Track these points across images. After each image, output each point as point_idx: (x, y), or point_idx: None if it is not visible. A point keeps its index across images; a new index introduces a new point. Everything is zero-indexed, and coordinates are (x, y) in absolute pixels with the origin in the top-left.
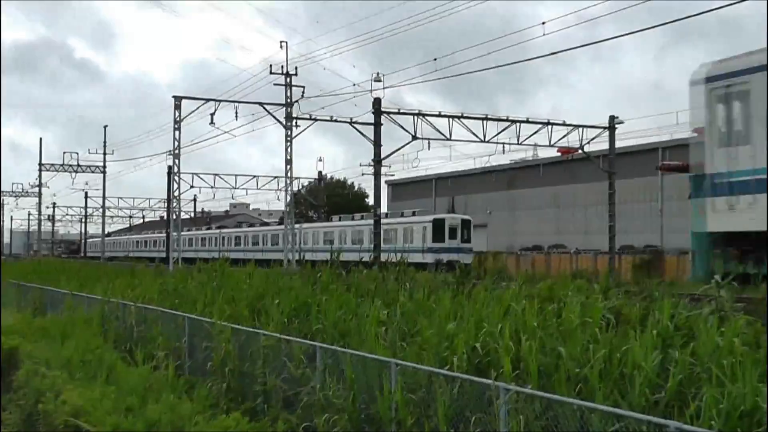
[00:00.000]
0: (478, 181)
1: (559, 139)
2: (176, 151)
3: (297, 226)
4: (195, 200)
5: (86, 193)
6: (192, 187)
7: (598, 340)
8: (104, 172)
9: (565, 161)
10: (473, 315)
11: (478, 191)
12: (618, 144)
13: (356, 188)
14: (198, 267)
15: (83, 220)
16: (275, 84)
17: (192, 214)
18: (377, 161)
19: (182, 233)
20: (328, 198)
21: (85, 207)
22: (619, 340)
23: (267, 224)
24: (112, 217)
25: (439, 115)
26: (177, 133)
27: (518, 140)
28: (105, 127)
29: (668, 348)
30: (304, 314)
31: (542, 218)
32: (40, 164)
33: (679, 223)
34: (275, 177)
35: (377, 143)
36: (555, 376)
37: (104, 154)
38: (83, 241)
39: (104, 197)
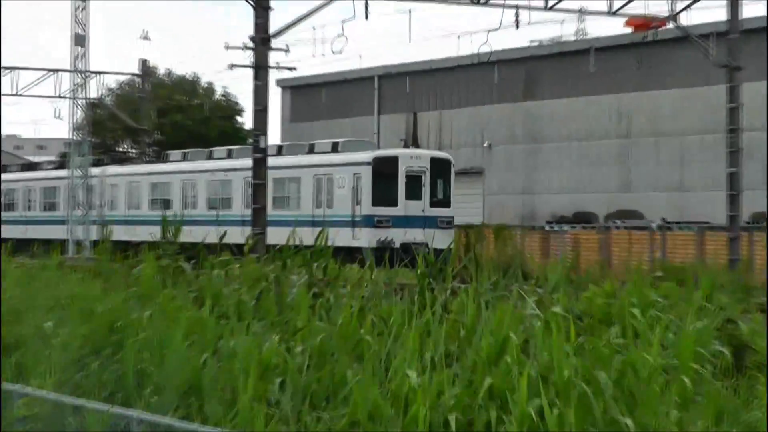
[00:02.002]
0: (466, 83)
1: (627, 2)
2: None
3: (97, 170)
4: None
5: None
6: None
7: (702, 401)
8: None
9: (640, 45)
10: (453, 353)
11: (466, 102)
12: (746, 14)
13: (218, 95)
14: None
15: None
16: None
17: None
18: (262, 40)
19: None
20: (162, 114)
21: None
22: (743, 402)
23: (35, 167)
24: None
25: None
26: None
27: (546, 2)
28: None
29: None
30: (111, 351)
31: (594, 158)
32: None
33: None
34: (52, 71)
35: (261, 2)
36: None
37: None
38: None
39: None
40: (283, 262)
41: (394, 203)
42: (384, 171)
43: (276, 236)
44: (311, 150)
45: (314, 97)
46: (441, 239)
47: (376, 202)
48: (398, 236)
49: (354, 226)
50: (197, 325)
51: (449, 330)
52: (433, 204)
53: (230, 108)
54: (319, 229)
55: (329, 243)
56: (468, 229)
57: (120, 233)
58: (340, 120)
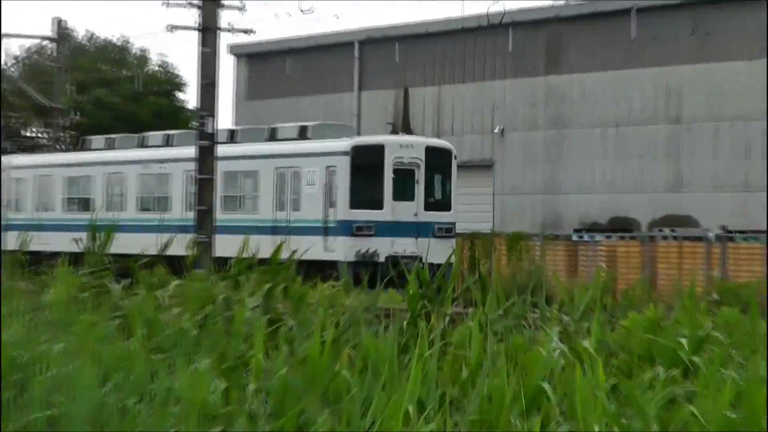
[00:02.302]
0: (472, 51)
1: None
2: None
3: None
4: None
5: None
6: None
7: None
8: None
9: (695, 5)
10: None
11: (472, 77)
12: None
13: (154, 65)
14: None
15: None
16: None
17: None
18: None
19: None
20: (82, 89)
21: None
22: None
23: None
24: None
25: None
26: None
27: None
28: None
29: None
30: (13, 394)
31: (635, 148)
32: None
33: None
34: None
35: None
36: None
37: None
38: None
39: None
40: (235, 279)
41: (379, 205)
42: (366, 163)
43: (227, 247)
44: (273, 136)
45: (277, 69)
46: (439, 251)
47: (355, 204)
48: (383, 247)
49: (327, 235)
50: (124, 360)
51: (448, 368)
52: (428, 206)
53: (169, 82)
54: (283, 238)
55: (295, 256)
56: (474, 239)
57: (35, 243)
58: (310, 97)
